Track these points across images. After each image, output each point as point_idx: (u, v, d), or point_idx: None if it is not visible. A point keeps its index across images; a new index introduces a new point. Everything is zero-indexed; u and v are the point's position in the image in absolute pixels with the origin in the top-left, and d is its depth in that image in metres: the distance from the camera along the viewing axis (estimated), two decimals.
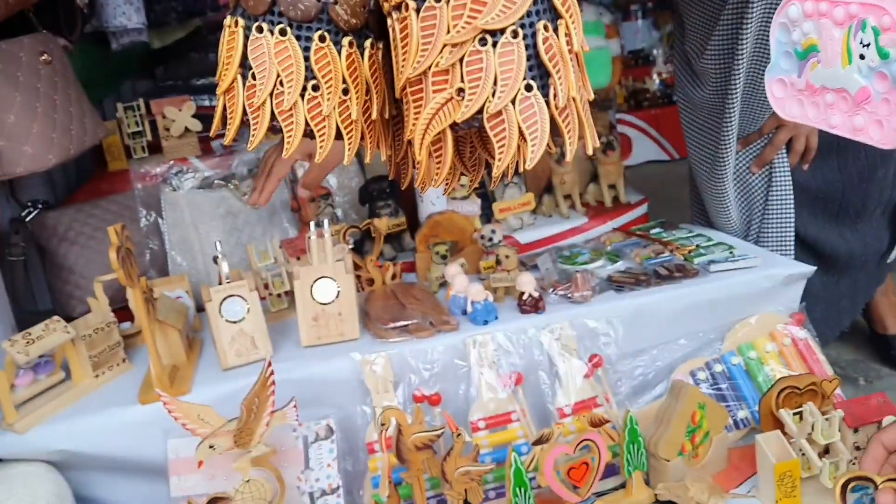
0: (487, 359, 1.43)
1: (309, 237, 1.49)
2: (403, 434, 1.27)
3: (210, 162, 1.96)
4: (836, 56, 0.71)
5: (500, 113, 0.80)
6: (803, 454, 1.31)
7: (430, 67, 0.76)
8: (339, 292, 1.48)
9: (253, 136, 0.83)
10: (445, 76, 0.80)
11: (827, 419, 1.30)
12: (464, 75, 0.79)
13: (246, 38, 0.83)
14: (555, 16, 0.87)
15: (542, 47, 0.82)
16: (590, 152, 0.97)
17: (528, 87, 0.81)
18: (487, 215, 1.98)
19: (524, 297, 1.50)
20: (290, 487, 1.32)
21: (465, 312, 1.52)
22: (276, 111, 0.82)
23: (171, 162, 1.89)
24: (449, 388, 1.43)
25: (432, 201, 1.85)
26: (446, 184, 0.96)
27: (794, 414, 1.35)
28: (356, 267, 1.64)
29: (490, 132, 0.81)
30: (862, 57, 0.69)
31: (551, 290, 1.54)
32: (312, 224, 1.50)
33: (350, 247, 1.65)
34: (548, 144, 0.84)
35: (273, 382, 1.24)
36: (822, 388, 1.40)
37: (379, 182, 1.90)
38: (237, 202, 1.83)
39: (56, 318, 1.39)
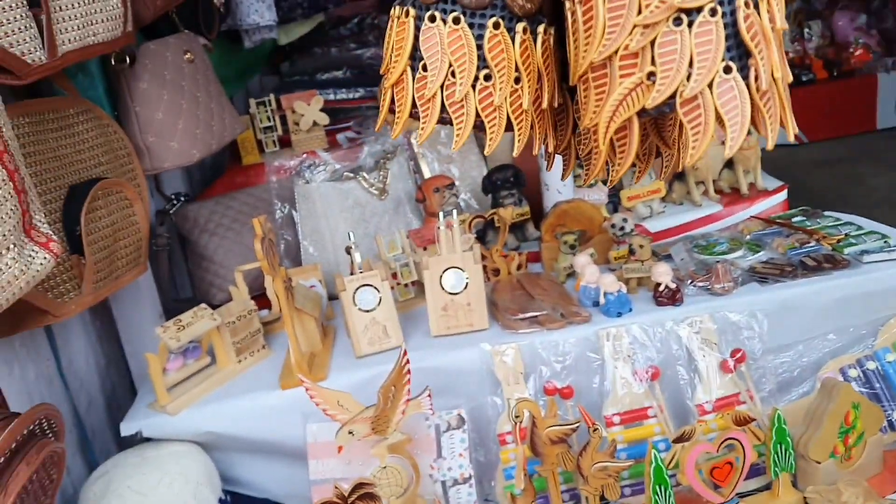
0: (622, 352, 1.39)
1: (438, 227, 1.49)
2: (538, 427, 1.26)
3: (337, 155, 2.01)
4: None
5: (695, 98, 0.73)
6: None
7: (617, 51, 0.72)
8: (467, 282, 1.47)
9: (422, 129, 0.82)
10: (634, 59, 0.73)
11: None
12: (655, 58, 0.73)
13: (417, 28, 0.82)
14: None
15: (742, 25, 0.75)
16: (790, 139, 0.89)
17: (727, 69, 0.74)
18: (614, 203, 1.93)
19: (660, 288, 1.45)
20: (423, 475, 1.33)
21: (596, 304, 1.49)
22: (446, 103, 0.81)
23: (304, 155, 1.94)
24: (581, 381, 1.40)
25: (558, 189, 1.82)
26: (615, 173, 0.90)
27: None
28: (481, 257, 1.63)
29: (683, 118, 0.74)
30: None
31: (689, 281, 1.48)
32: (441, 214, 1.50)
33: (474, 237, 1.64)
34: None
35: (409, 371, 1.25)
36: None
37: (502, 171, 1.88)
38: (364, 194, 1.86)
39: (203, 305, 1.46)
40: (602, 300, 1.45)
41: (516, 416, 1.25)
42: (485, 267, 1.67)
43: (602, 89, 0.76)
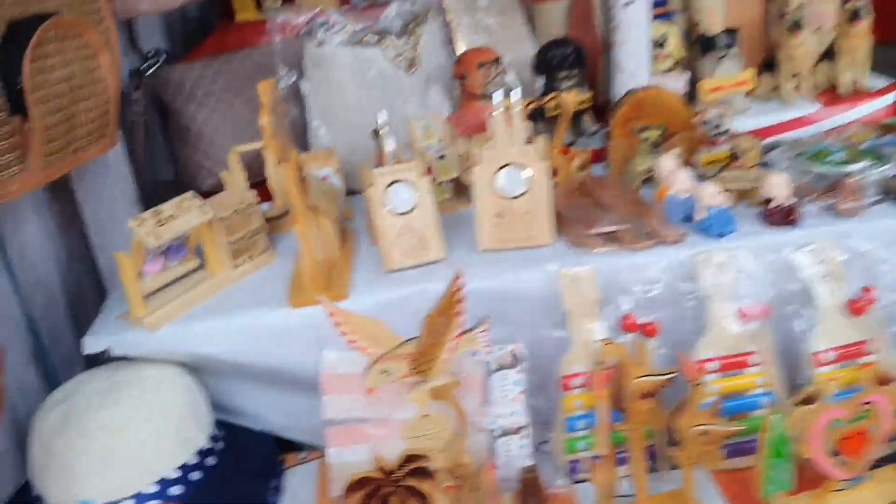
0: (725, 283, 1.10)
1: (492, 112, 1.16)
2: (624, 376, 0.98)
3: (355, 14, 1.62)
4: None
5: None
6: None
7: None
8: (529, 183, 1.16)
9: None
10: None
11: None
12: None
13: None
14: None
15: None
16: None
17: None
18: (690, 95, 1.59)
19: (772, 204, 1.14)
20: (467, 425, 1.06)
21: (686, 220, 1.18)
22: None
23: (316, 10, 1.56)
24: (668, 317, 1.11)
25: (632, 72, 1.47)
26: None
27: None
28: None
29: None
30: None
31: (808, 197, 1.17)
32: (497, 95, 1.16)
33: None
34: None
35: (461, 300, 0.95)
36: None
37: (561, 47, 1.53)
38: (389, 65, 1.50)
39: (190, 194, 1.13)
40: (701, 215, 1.15)
41: (600, 363, 0.97)
42: None
43: None
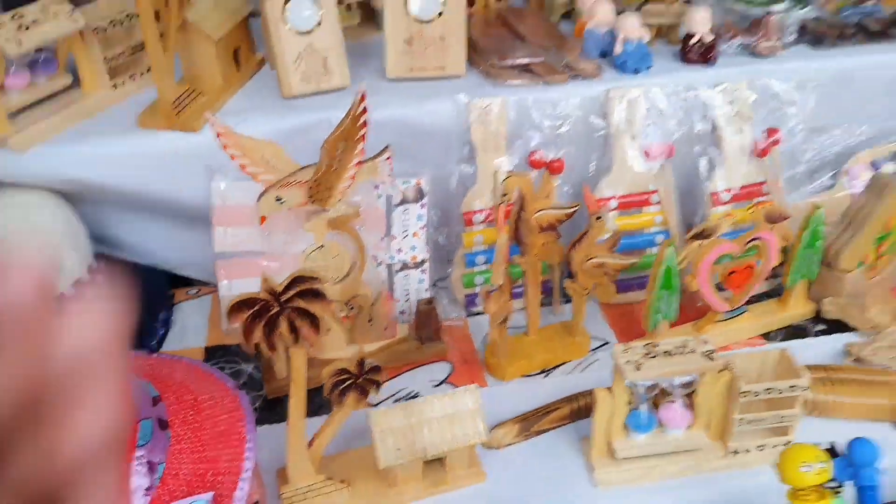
0: (636, 121, 1.07)
1: None
2: (525, 209, 0.96)
3: None
4: None
5: None
6: None
7: None
8: (444, 7, 1.07)
9: None
10: None
11: None
12: None
13: None
14: None
15: None
16: None
17: None
18: None
19: (692, 41, 1.11)
20: (367, 258, 1.04)
21: (604, 55, 1.14)
22: None
23: None
24: (576, 152, 1.09)
25: None
26: None
27: None
28: None
29: None
30: None
31: (728, 36, 1.14)
32: None
33: None
34: None
35: (365, 124, 0.89)
36: None
37: None
38: None
39: None
40: (618, 49, 1.10)
41: (503, 195, 0.95)
42: None
43: None
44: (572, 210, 0.99)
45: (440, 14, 1.07)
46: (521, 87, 1.09)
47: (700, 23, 1.09)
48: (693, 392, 0.83)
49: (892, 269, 1.11)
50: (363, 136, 0.90)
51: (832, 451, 0.75)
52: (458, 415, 0.82)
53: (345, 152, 0.90)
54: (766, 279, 1.08)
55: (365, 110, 0.88)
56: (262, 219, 0.92)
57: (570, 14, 1.28)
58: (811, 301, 1.09)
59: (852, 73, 1.14)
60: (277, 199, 0.90)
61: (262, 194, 0.90)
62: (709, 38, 1.10)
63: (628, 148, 1.08)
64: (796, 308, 1.09)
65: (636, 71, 1.10)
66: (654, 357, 0.80)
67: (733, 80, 1.09)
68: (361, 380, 0.79)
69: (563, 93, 1.08)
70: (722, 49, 1.13)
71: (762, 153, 1.10)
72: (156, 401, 0.74)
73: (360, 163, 0.92)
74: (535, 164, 1.06)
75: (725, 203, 1.11)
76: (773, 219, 1.00)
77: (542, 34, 1.20)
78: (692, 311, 1.04)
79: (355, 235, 0.97)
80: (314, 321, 0.72)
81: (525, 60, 1.11)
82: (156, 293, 1.13)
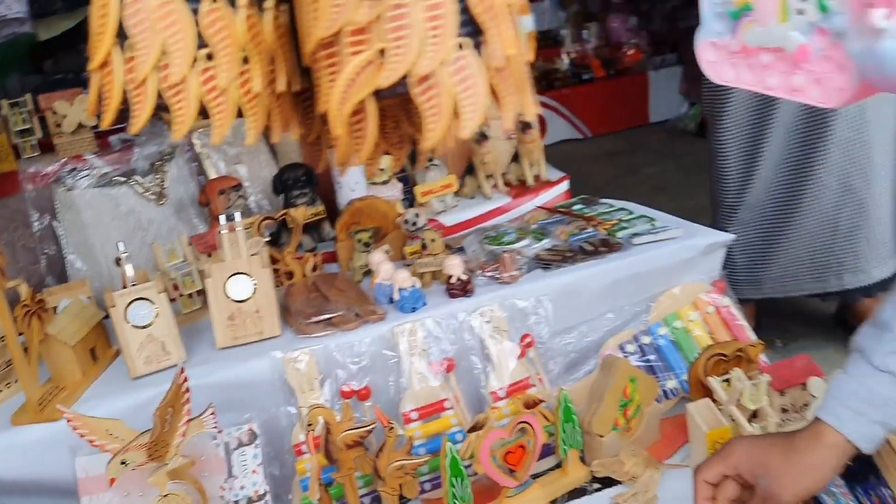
0: (417, 347, 1.38)
1: (219, 231, 1.40)
2: (332, 433, 1.21)
3: (109, 158, 1.83)
4: (773, 13, 0.68)
5: (429, 76, 0.71)
6: (733, 420, 1.32)
7: (345, 25, 0.67)
8: (255, 288, 1.39)
9: (135, 117, 0.73)
10: (364, 35, 0.68)
11: (754, 384, 1.31)
12: (385, 33, 0.70)
13: (121, 0, 0.72)
14: None
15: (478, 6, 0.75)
16: (531, 118, 0.89)
17: (462, 45, 0.72)
18: (409, 199, 1.93)
19: (452, 280, 1.46)
20: (214, 498, 1.24)
21: (392, 301, 1.47)
22: (161, 87, 0.71)
23: (65, 160, 1.75)
24: (379, 380, 1.37)
25: (351, 187, 1.78)
26: (368, 164, 0.88)
27: (723, 381, 1.35)
28: (273, 260, 1.56)
29: (418, 98, 0.72)
30: (800, 12, 0.66)
31: (479, 271, 1.50)
32: (222, 217, 1.41)
33: (266, 239, 1.56)
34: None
35: (187, 389, 1.15)
36: (748, 353, 1.42)
37: (294, 170, 1.81)
38: (139, 199, 1.71)
39: None
40: (396, 296, 1.43)
41: (308, 425, 1.20)
42: (278, 271, 1.59)
43: (333, 69, 0.72)
44: (371, 426, 1.24)
45: (253, 293, 1.39)
46: (325, 336, 1.38)
47: (455, 267, 1.45)
48: None
49: (643, 429, 1.39)
50: (188, 399, 1.15)
51: None
52: None
53: (174, 415, 1.14)
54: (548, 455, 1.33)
55: (186, 379, 1.14)
56: (112, 480, 1.12)
57: (370, 272, 1.63)
58: (585, 465, 1.34)
59: (576, 285, 1.50)
60: (122, 463, 1.12)
61: (109, 461, 1.12)
62: (464, 276, 1.45)
63: (418, 368, 1.37)
64: (574, 473, 1.33)
65: (413, 309, 1.43)
66: None
67: (487, 304, 1.43)
68: None
69: (358, 336, 1.38)
70: (476, 282, 1.48)
71: (521, 355, 1.41)
72: None
73: (188, 421, 1.16)
74: (345, 395, 1.32)
75: (502, 399, 1.39)
76: (529, 405, 1.29)
77: (348, 293, 1.53)
78: (491, 491, 1.27)
79: (193, 481, 1.18)
80: None
81: (326, 316, 1.42)
82: None
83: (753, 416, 1.34)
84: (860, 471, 1.22)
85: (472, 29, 0.75)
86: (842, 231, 1.86)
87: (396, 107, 0.88)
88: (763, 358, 1.51)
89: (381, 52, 0.70)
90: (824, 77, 0.66)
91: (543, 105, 4.69)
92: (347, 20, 0.68)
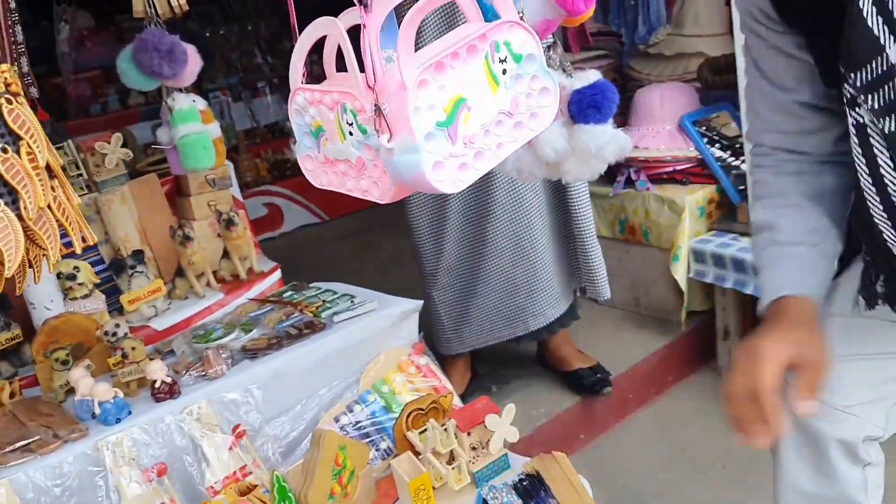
0: (125, 457, 1.38)
1: None
2: None
3: None
4: (335, 133, 0.87)
5: None
6: (433, 466, 1.49)
7: None
8: None
9: None
10: None
11: (445, 430, 1.50)
12: None
13: None
14: (15, 138, 1.03)
15: (2, 168, 1.00)
16: (77, 250, 1.09)
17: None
18: (119, 308, 1.91)
19: (157, 385, 1.49)
20: None
21: (94, 416, 1.46)
22: None
23: None
24: (88, 498, 1.35)
25: (46, 305, 1.74)
26: None
27: (421, 432, 1.52)
28: None
29: None
30: (351, 133, 0.85)
31: (185, 371, 1.55)
32: None
33: None
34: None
35: None
36: (442, 404, 1.61)
37: None
38: None
39: None
40: (97, 410, 1.43)
41: None
42: None
43: None
44: None
45: None
46: (24, 463, 1.34)
47: (157, 371, 1.49)
48: None
49: (359, 492, 1.51)
50: None
51: None
52: None
53: None
54: None
55: None
56: None
57: (72, 390, 1.59)
58: None
59: (285, 368, 1.61)
60: None
61: None
62: (168, 379, 1.49)
63: (128, 479, 1.37)
64: None
65: (118, 420, 1.43)
66: None
67: (196, 401, 1.48)
68: None
69: (60, 457, 1.36)
70: (183, 382, 1.52)
71: (234, 445, 1.47)
72: None
73: None
74: None
75: (219, 492, 1.43)
76: (244, 492, 1.35)
77: (51, 416, 1.49)
78: None
79: None
80: None
81: (23, 442, 1.37)
82: None
83: (452, 458, 1.52)
84: (532, 488, 1.45)
85: (8, 189, 1.03)
86: (520, 284, 2.18)
87: None
88: (457, 403, 1.72)
89: None
90: (379, 180, 0.86)
91: (278, 195, 4.83)
92: None
